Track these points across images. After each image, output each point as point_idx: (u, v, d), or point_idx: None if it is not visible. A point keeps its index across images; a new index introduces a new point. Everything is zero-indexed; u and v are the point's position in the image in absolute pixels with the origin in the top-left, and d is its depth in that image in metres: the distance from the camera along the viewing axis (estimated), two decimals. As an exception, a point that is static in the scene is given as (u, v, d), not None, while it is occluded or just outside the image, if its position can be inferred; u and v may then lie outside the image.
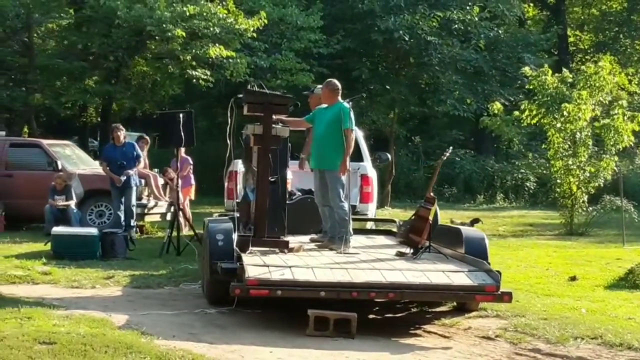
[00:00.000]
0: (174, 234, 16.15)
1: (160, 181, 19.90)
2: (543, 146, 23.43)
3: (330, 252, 11.82)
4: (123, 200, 17.47)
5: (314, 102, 13.15)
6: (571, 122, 21.91)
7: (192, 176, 20.17)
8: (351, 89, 29.45)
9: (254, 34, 25.17)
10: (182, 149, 19.24)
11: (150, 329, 9.42)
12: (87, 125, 42.47)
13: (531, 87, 23.42)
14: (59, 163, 19.33)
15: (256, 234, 11.63)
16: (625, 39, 45.56)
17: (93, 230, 15.64)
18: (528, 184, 34.55)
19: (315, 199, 12.98)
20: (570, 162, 22.07)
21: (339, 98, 12.29)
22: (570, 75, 22.76)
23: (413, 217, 12.23)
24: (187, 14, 24.02)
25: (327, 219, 12.61)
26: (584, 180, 22.26)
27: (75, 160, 20.41)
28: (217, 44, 24.54)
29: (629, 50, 45.11)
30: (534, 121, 23.03)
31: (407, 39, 28.13)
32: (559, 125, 22.27)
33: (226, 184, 16.15)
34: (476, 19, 30.58)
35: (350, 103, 12.22)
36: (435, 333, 10.28)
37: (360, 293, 10.10)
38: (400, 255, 11.72)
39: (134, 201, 17.72)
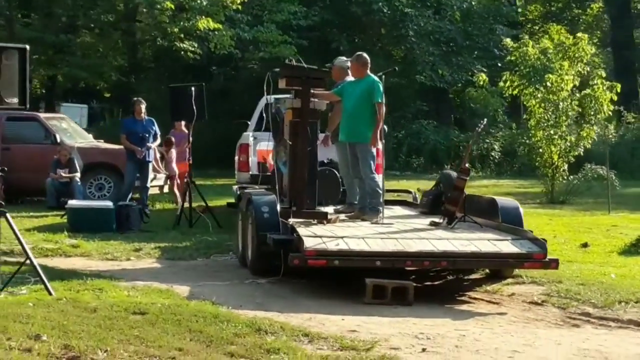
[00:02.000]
0: (186, 205, 16.29)
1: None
2: (525, 116, 23.86)
3: (365, 223, 12.12)
4: (139, 175, 17.44)
5: (336, 74, 13.39)
6: (554, 93, 22.37)
7: (187, 151, 20.29)
8: (328, 60, 29.72)
9: (239, 6, 25.26)
10: (182, 123, 19.43)
11: (217, 300, 9.63)
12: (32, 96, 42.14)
13: (512, 58, 23.82)
14: (58, 136, 19.36)
15: (296, 206, 11.91)
16: (576, 9, 46.31)
17: (109, 204, 15.77)
18: (493, 154, 35.09)
19: (340, 171, 13.27)
20: (552, 132, 22.53)
21: (368, 71, 12.56)
22: (552, 47, 23.19)
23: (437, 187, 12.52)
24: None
25: (353, 191, 12.92)
26: (565, 150, 22.76)
27: (72, 133, 20.47)
28: (203, 17, 24.61)
29: (580, 19, 45.87)
30: (514, 92, 23.48)
31: (385, 10, 28.40)
32: (540, 95, 22.71)
33: (237, 157, 16.33)
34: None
35: (383, 77, 12.49)
36: (482, 299, 10.66)
37: (414, 262, 10.50)
38: (435, 224, 12.04)
39: (150, 176, 17.84)
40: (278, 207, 11.46)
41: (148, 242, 14.05)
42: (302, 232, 10.51)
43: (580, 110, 22.76)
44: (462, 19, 31.38)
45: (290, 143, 12.30)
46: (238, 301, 9.77)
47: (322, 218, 11.89)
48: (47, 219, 16.55)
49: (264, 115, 12.95)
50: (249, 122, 18.26)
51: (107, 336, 7.42)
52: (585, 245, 14.41)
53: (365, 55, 12.71)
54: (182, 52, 25.94)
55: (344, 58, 13.85)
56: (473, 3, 32.07)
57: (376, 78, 12.51)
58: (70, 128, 20.92)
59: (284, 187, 12.76)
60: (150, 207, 19.65)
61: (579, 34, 23.57)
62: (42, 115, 20.35)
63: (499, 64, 33.16)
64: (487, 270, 11.80)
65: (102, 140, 21.36)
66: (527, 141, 23.31)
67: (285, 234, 10.99)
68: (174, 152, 19.75)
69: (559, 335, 8.87)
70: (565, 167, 23.05)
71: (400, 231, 11.50)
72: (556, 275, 11.40)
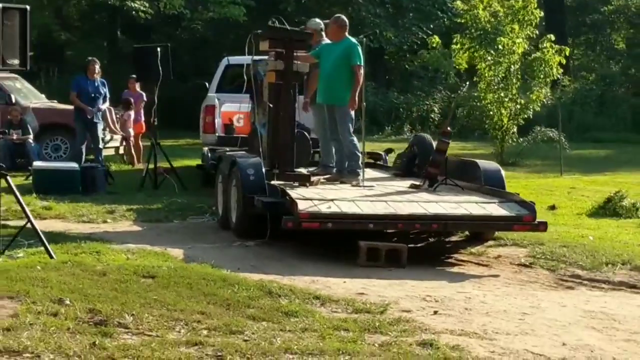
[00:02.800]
0: (151, 167, 16.16)
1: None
2: (474, 78, 24.01)
3: (346, 185, 12.16)
4: (90, 136, 17.25)
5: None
6: (505, 56, 22.55)
7: (142, 112, 20.17)
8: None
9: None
10: (137, 84, 19.25)
11: (213, 262, 9.59)
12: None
13: (463, 21, 23.94)
14: (12, 97, 19.02)
15: (279, 169, 11.90)
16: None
17: (74, 165, 15.56)
18: (432, 116, 35.31)
19: (316, 132, 13.26)
20: (502, 95, 22.74)
21: (346, 34, 12.54)
22: (502, 10, 23.33)
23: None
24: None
25: (329, 153, 12.93)
26: (515, 112, 23.00)
27: (26, 93, 20.12)
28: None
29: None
30: (465, 55, 23.60)
31: (332, -29, 28.34)
32: (490, 58, 22.88)
33: (203, 118, 16.22)
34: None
35: (365, 40, 12.49)
36: (470, 262, 10.80)
37: (406, 225, 10.58)
38: (415, 187, 12.12)
39: (107, 137, 17.65)
40: (263, 170, 11.42)
41: (118, 205, 13.87)
42: (294, 195, 10.50)
43: (530, 73, 22.95)
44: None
45: (271, 105, 12.26)
46: (233, 264, 9.76)
47: (305, 180, 11.90)
48: (15, 180, 16.23)
49: (245, 77, 12.82)
50: (207, 84, 18.15)
51: (127, 300, 7.38)
52: (552, 207, 14.63)
53: (343, 17, 12.72)
54: (134, 12, 25.57)
55: (318, 20, 13.79)
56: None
57: (354, 40, 12.51)
58: (25, 88, 20.55)
59: (263, 149, 12.70)
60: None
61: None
62: (-5, 74, 19.94)
63: (443, 27, 33.41)
64: (467, 232, 11.92)
65: (55, 101, 21.02)
66: (478, 104, 23.47)
67: (273, 197, 10.98)
68: (131, 114, 19.58)
69: (559, 297, 9.03)
70: (515, 129, 23.30)
71: (384, 194, 11.56)
72: (536, 238, 11.55)
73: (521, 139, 23.51)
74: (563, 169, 21.34)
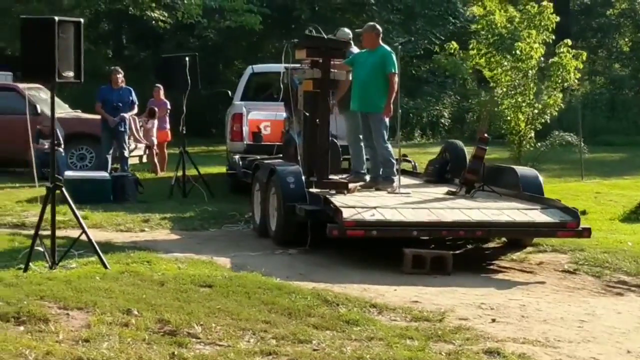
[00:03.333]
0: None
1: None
2: (491, 84, 24.03)
3: (383, 192, 12.19)
4: (114, 144, 17.33)
5: None
6: (523, 61, 22.58)
7: (167, 120, 20.24)
8: (291, 30, 29.67)
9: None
10: (161, 92, 19.33)
11: (263, 271, 9.62)
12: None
13: (479, 27, 23.96)
14: (38, 107, 19.08)
15: (317, 176, 11.96)
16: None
17: (105, 174, 15.62)
18: (443, 121, 35.39)
19: (347, 139, 13.28)
20: (520, 100, 22.76)
21: (381, 42, 12.60)
22: (518, 15, 23.37)
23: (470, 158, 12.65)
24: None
25: (360, 160, 12.97)
26: (532, 117, 23.02)
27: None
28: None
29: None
30: (481, 60, 23.63)
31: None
32: (506, 63, 22.91)
33: (230, 126, 16.26)
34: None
35: (400, 47, 12.54)
36: (514, 268, 10.81)
37: (450, 232, 10.61)
38: (452, 194, 12.16)
39: (131, 146, 17.72)
40: (303, 178, 11.48)
41: (151, 213, 13.93)
42: (338, 203, 10.54)
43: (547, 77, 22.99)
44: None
45: (307, 114, 12.32)
46: (282, 272, 9.80)
47: (343, 188, 11.93)
48: (41, 190, 16.28)
49: (281, 85, 12.88)
50: (229, 92, 18.24)
51: (193, 310, 7.40)
52: (583, 212, 14.58)
53: (378, 26, 12.77)
54: (153, 22, 25.62)
55: (347, 30, 13.91)
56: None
57: (388, 48, 12.57)
58: (50, 98, 20.48)
59: (299, 157, 12.76)
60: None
61: (545, 2, 23.73)
62: (21, 85, 19.96)
63: (448, 32, 33.44)
64: (504, 239, 11.95)
65: (79, 110, 21.07)
66: (496, 109, 23.47)
67: (314, 205, 11.02)
68: (154, 122, 19.63)
69: (612, 304, 9.07)
70: (532, 134, 23.31)
71: (423, 201, 11.61)
72: (576, 244, 11.56)
73: (539, 144, 23.50)
74: (586, 173, 21.38)
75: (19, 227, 12.77)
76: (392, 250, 10.62)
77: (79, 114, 20.53)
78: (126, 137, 17.54)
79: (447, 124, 35.37)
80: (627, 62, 41.99)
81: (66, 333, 6.57)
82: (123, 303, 7.41)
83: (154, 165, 19.79)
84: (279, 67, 18.31)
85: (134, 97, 17.59)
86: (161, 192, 16.30)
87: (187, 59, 16.01)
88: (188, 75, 15.88)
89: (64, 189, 9.36)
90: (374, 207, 10.71)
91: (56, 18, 8.75)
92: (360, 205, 10.83)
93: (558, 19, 23.59)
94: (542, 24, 23.13)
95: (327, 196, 10.94)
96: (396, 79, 12.50)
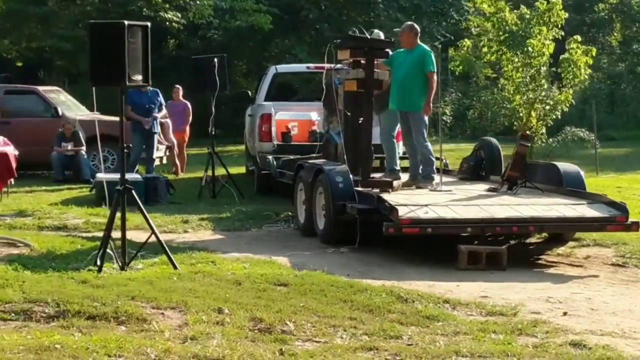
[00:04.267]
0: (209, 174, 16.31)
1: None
2: (502, 81, 24.25)
3: (424, 190, 12.33)
4: (145, 146, 17.46)
5: None
6: (534, 58, 22.77)
7: (187, 120, 20.35)
8: (298, 28, 29.76)
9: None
10: (180, 93, 19.44)
11: (325, 269, 9.72)
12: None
13: (489, 24, 24.13)
14: (59, 109, 19.17)
15: (361, 175, 12.09)
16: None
17: (137, 176, 15.69)
18: (444, 118, 35.56)
19: (381, 137, 13.34)
20: (531, 96, 22.96)
21: (419, 41, 12.73)
22: (528, 12, 23.56)
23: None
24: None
25: (394, 158, 13.11)
26: (544, 113, 23.22)
27: (70, 106, 20.25)
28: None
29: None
30: (493, 57, 23.84)
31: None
32: (516, 60, 23.10)
33: (259, 126, 16.34)
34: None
35: (440, 46, 12.68)
36: (562, 263, 10.97)
37: (503, 228, 10.77)
38: (493, 190, 12.30)
39: (156, 147, 17.83)
40: (351, 177, 11.60)
41: (187, 214, 14.01)
42: (393, 201, 10.67)
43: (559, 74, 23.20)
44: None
45: (349, 113, 12.46)
46: (341, 270, 9.91)
47: (387, 187, 12.05)
48: (72, 193, 16.46)
49: (324, 86, 13.00)
50: (249, 92, 18.37)
51: (280, 308, 7.53)
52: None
53: (416, 25, 12.89)
54: (167, 23, 25.67)
55: (377, 31, 14.04)
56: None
57: (427, 48, 12.71)
58: (69, 100, 20.69)
59: (339, 156, 12.89)
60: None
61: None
62: (41, 88, 20.07)
63: (449, 29, 33.63)
64: (546, 234, 12.11)
65: (98, 112, 21.08)
66: (507, 105, 23.68)
67: (365, 203, 11.15)
68: (169, 122, 19.72)
69: (672, 295, 9.22)
70: (544, 130, 23.52)
71: (469, 198, 11.75)
72: (617, 237, 11.75)
73: (550, 140, 23.71)
74: (593, 167, 21.57)
75: (62, 230, 12.78)
76: (436, 246, 10.91)
77: (100, 115, 20.56)
78: (156, 139, 17.66)
79: (448, 121, 35.54)
80: (623, 57, 42.24)
81: (170, 331, 6.68)
82: (212, 302, 7.54)
83: (175, 166, 19.88)
84: (302, 67, 18.51)
85: (161, 98, 17.73)
86: (188, 193, 16.40)
87: (215, 60, 16.07)
88: (217, 77, 15.95)
89: (133, 191, 9.40)
90: (427, 205, 10.83)
91: (126, 22, 8.85)
92: (411, 203, 10.96)
93: (567, 15, 23.74)
94: (552, 20, 23.30)
95: (380, 195, 11.06)
96: (435, 77, 12.62)
